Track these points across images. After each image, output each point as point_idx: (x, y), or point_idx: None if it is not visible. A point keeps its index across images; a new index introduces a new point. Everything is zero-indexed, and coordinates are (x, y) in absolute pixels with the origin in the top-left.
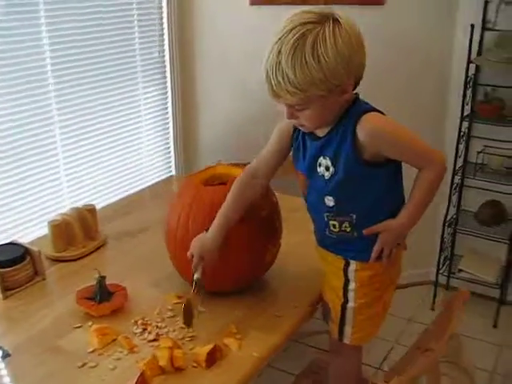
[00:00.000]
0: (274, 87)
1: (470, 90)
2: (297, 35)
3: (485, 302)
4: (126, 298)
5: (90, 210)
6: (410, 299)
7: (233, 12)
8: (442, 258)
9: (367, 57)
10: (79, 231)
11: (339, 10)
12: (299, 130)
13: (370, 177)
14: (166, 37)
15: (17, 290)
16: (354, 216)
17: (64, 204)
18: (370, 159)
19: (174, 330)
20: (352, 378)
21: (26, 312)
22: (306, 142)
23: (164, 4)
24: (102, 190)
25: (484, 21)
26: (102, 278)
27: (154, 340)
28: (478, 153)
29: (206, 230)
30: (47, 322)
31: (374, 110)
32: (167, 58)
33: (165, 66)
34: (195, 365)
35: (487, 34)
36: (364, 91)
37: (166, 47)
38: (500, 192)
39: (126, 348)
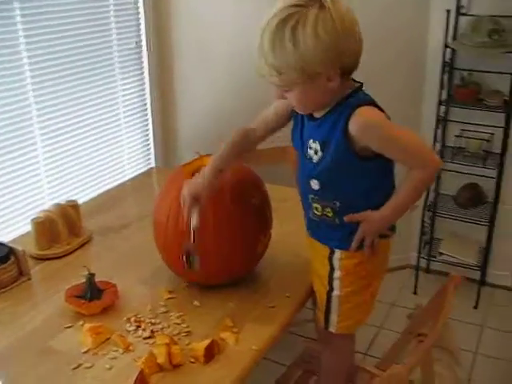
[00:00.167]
0: (258, 67)
1: (447, 74)
2: (281, 17)
3: (465, 283)
4: (117, 295)
5: (73, 205)
6: (392, 284)
7: None
8: (423, 242)
9: None
10: (63, 228)
11: None
12: None
13: (357, 168)
14: (142, 26)
15: (2, 291)
16: (338, 203)
17: (44, 201)
18: (360, 152)
19: (168, 326)
20: (343, 368)
21: (14, 314)
22: (304, 121)
23: None
24: (82, 185)
25: (458, 6)
26: (92, 276)
27: (149, 337)
28: (456, 137)
29: None
30: (37, 324)
31: (372, 104)
32: (144, 49)
33: (142, 57)
34: (193, 360)
35: (462, 19)
36: None
37: (143, 37)
38: (478, 175)
39: (121, 347)
